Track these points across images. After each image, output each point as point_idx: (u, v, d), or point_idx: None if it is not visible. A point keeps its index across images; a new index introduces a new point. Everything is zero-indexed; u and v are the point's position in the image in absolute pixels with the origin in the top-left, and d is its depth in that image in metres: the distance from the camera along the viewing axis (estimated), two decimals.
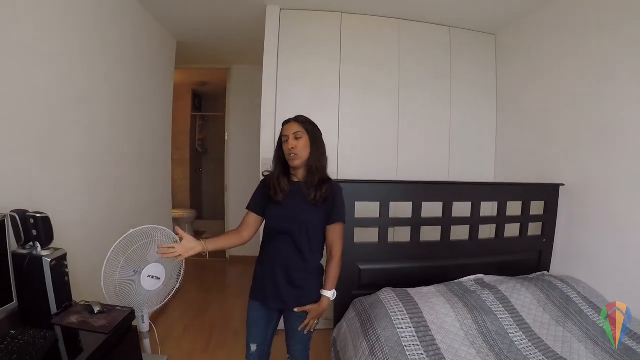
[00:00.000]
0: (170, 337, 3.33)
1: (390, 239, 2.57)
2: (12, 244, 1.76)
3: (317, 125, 1.98)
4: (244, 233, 2.01)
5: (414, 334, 1.99)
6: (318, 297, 1.94)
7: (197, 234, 6.53)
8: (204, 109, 7.16)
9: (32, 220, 1.78)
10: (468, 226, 2.72)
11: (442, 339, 1.98)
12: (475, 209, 2.68)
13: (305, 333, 1.97)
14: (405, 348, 1.90)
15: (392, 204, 2.50)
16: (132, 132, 3.22)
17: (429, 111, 3.49)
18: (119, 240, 2.12)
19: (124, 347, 1.79)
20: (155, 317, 3.56)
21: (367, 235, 2.54)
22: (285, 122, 1.96)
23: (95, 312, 1.83)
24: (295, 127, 1.91)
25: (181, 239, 1.79)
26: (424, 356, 1.87)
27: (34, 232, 1.78)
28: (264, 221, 2.02)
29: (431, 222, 2.61)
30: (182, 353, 3.09)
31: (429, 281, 2.50)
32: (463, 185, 2.77)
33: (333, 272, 1.93)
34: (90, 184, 2.64)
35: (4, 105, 1.86)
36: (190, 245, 1.81)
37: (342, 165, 3.31)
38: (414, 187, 2.56)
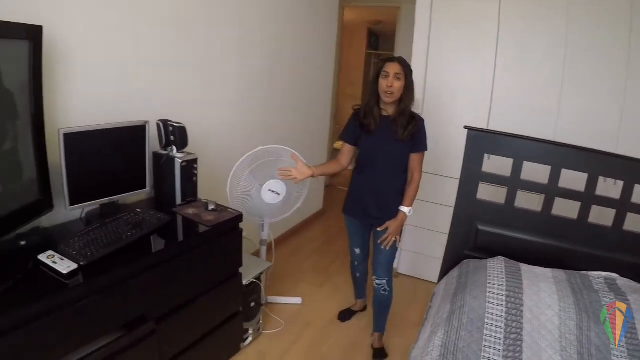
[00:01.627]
0: (297, 254, 3.85)
1: (517, 203, 2.32)
2: (155, 145, 2.31)
3: (412, 72, 2.25)
4: (342, 161, 2.48)
5: (502, 314, 1.77)
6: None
7: None
8: (381, 47, 7.34)
9: (171, 128, 2.28)
10: (614, 210, 2.22)
11: (531, 331, 1.71)
12: (628, 190, 2.18)
13: (383, 247, 2.38)
14: (485, 325, 1.72)
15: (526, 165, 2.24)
16: (287, 59, 3.60)
17: (598, 71, 2.94)
18: (247, 154, 2.54)
19: (224, 242, 2.21)
20: (290, 234, 4.13)
21: (490, 194, 2.40)
22: (389, 60, 2.22)
23: (209, 209, 2.28)
24: (397, 68, 2.17)
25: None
26: (501, 342, 1.66)
27: (172, 138, 2.30)
28: (357, 150, 2.43)
29: (570, 195, 2.23)
30: (301, 270, 3.58)
31: (552, 263, 2.19)
32: (618, 158, 2.19)
33: (411, 193, 2.34)
34: (242, 104, 3.15)
35: (164, 31, 2.38)
36: (304, 170, 2.32)
37: (494, 116, 3.10)
38: (556, 150, 2.20)
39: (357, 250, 2.66)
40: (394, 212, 2.35)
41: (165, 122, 2.29)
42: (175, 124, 2.27)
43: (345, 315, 2.94)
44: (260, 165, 2.58)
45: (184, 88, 2.62)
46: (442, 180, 3.16)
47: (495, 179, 2.31)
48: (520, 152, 2.22)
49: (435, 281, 2.56)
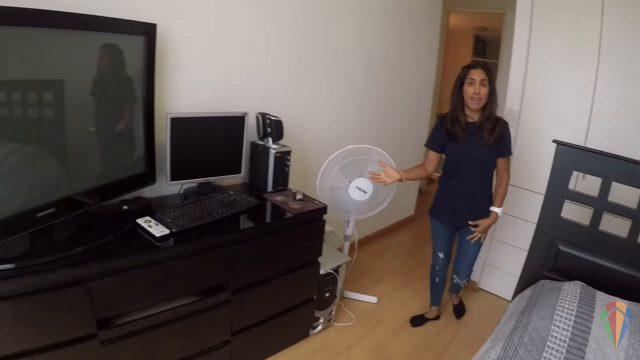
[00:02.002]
0: (381, 255, 3.88)
1: (602, 226, 2.17)
2: (253, 135, 2.51)
3: (495, 77, 2.28)
4: (428, 167, 2.52)
5: (566, 339, 1.68)
6: (488, 214, 2.43)
7: None
8: (488, 55, 7.02)
9: (268, 121, 2.45)
10: None
11: None
12: None
13: (472, 242, 2.50)
14: (546, 348, 1.65)
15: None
16: (387, 60, 3.62)
17: None
18: (338, 152, 2.64)
19: (307, 230, 2.34)
20: (378, 235, 4.17)
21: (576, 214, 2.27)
22: (473, 67, 2.24)
23: (297, 198, 2.41)
24: (482, 75, 2.19)
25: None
26: None
27: (269, 130, 2.47)
28: (443, 156, 2.49)
29: None
30: (382, 270, 3.61)
31: (633, 295, 2.00)
32: None
33: (501, 194, 2.41)
34: (339, 103, 3.27)
35: (268, 30, 2.57)
36: (392, 174, 2.41)
37: (592, 133, 2.85)
38: None
39: (441, 255, 2.70)
40: (482, 215, 2.42)
41: (263, 115, 2.47)
42: (273, 117, 2.43)
43: (418, 320, 2.93)
44: (350, 162, 2.67)
45: (283, 83, 2.79)
46: (529, 195, 3.01)
47: (581, 198, 2.20)
48: (610, 171, 2.07)
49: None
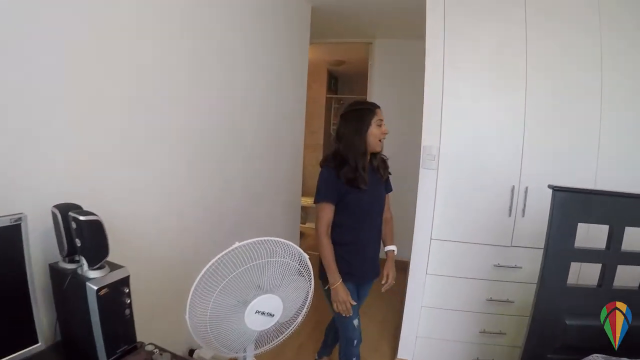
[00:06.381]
0: None
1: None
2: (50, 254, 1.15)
3: None
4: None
5: None
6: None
7: None
8: (340, 91, 6.39)
9: (74, 224, 1.08)
10: None
11: None
12: None
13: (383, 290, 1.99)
14: None
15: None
16: (248, 104, 2.44)
17: None
18: (216, 258, 1.22)
19: None
20: None
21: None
22: (377, 107, 1.89)
23: None
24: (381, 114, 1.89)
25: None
26: None
27: (78, 243, 1.09)
28: (346, 206, 1.87)
29: None
30: None
31: None
32: None
33: (392, 230, 2.06)
34: (187, 167, 1.91)
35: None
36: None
37: (527, 168, 2.23)
38: None
39: (356, 322, 1.96)
40: (378, 260, 2.01)
41: (65, 212, 1.14)
42: (81, 218, 1.10)
43: None
44: (242, 273, 1.30)
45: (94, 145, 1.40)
46: (456, 247, 2.36)
47: (589, 256, 1.57)
48: (619, 215, 1.52)
49: None
